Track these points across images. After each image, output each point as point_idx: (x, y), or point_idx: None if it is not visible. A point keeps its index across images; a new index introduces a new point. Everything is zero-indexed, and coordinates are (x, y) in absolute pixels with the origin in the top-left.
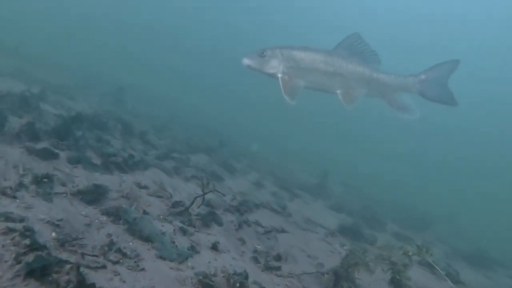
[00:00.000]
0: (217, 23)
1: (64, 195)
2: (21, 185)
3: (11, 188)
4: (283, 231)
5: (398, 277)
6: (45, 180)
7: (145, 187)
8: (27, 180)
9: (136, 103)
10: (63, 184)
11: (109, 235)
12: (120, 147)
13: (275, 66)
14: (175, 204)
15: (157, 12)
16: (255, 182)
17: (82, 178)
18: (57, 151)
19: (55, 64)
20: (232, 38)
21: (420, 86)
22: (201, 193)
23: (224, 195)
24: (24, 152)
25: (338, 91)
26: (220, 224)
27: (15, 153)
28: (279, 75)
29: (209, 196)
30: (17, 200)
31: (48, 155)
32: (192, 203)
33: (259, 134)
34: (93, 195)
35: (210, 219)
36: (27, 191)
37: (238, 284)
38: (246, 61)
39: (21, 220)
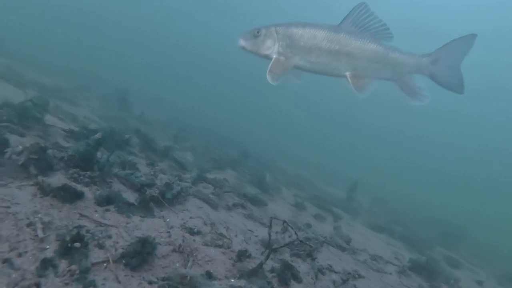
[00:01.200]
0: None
1: (104, 264)
2: (46, 265)
3: (36, 285)
4: (359, 276)
5: None
6: (77, 244)
7: (198, 233)
8: (51, 248)
9: (140, 107)
10: (101, 245)
11: None
12: (148, 171)
13: (270, 47)
14: (241, 256)
15: (154, 15)
16: (295, 203)
17: (120, 229)
18: (80, 187)
19: (49, 64)
20: (229, 41)
21: (433, 68)
22: (252, 229)
23: (311, 246)
24: (37, 194)
25: (347, 73)
26: (298, 280)
27: (25, 197)
28: (274, 56)
29: (265, 233)
30: None
31: (69, 195)
32: (268, 257)
33: (261, 140)
34: (140, 257)
35: (288, 275)
36: (57, 274)
37: None
38: (241, 42)
39: None
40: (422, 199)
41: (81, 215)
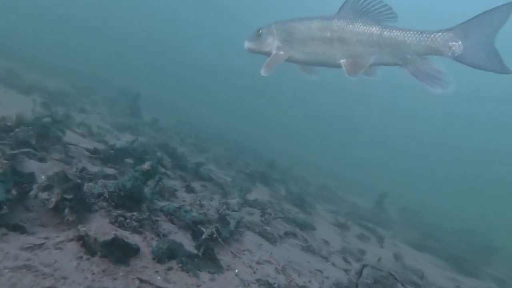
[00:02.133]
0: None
1: None
2: None
3: None
4: None
5: None
6: None
7: None
8: None
9: (143, 110)
10: None
11: None
12: (190, 199)
13: (270, 43)
14: None
15: (153, 19)
16: (336, 223)
17: None
18: (131, 237)
19: (47, 64)
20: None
21: (456, 46)
22: (319, 267)
23: None
24: (82, 256)
25: (342, 61)
26: None
27: (70, 264)
28: (274, 52)
29: (335, 273)
30: None
31: (122, 252)
32: None
33: (262, 141)
34: None
35: None
36: None
37: None
38: (246, 44)
39: None
40: (421, 200)
41: (141, 280)
